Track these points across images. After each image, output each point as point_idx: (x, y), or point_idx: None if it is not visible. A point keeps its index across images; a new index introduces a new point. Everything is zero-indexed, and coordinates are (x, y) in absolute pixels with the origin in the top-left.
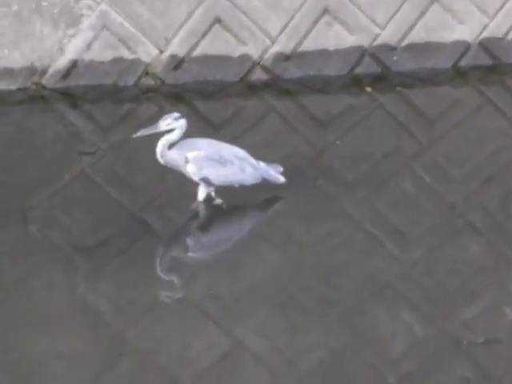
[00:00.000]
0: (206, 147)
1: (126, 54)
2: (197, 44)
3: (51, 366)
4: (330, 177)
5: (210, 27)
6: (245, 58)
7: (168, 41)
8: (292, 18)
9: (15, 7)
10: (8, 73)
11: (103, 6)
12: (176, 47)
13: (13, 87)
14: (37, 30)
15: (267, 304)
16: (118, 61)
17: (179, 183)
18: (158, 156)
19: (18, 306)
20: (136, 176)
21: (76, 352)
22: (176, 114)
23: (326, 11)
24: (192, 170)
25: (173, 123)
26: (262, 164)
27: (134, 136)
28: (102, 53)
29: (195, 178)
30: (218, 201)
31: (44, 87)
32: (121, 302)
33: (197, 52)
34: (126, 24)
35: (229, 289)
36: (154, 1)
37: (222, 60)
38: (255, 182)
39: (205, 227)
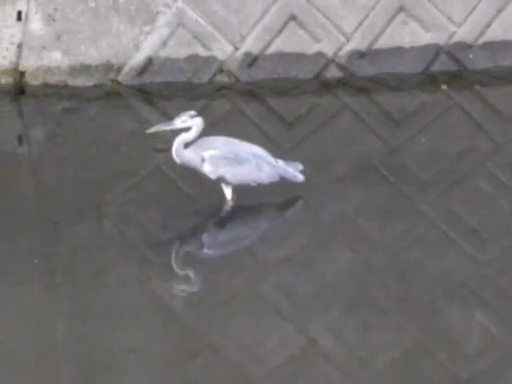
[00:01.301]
0: (222, 146)
1: (201, 51)
2: (271, 41)
3: (124, 360)
4: (404, 175)
5: (285, 24)
6: (319, 55)
7: (243, 38)
8: (367, 15)
9: (92, 4)
10: (85, 69)
11: (179, 4)
12: (251, 44)
13: (89, 83)
14: (113, 27)
15: (340, 302)
16: (192, 58)
17: None
18: (174, 155)
19: (93, 300)
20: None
21: (149, 347)
22: (192, 112)
23: (401, 9)
24: (208, 170)
25: (188, 121)
26: (280, 162)
27: (148, 131)
28: (177, 50)
29: (212, 177)
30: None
31: (120, 84)
32: (194, 298)
33: (271, 49)
34: (202, 21)
35: (302, 286)
36: None
37: (297, 57)
38: (273, 180)
39: (281, 225)
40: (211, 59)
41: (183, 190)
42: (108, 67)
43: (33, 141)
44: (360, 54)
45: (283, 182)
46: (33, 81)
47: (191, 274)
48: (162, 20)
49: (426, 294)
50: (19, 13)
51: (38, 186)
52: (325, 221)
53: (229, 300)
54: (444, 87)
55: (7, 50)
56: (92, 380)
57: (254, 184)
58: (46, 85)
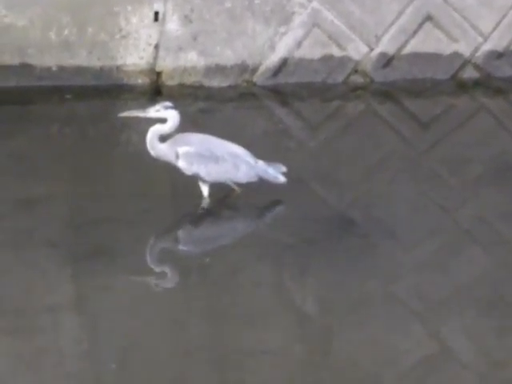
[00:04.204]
0: (198, 143)
1: (336, 52)
2: (407, 42)
3: (257, 362)
4: None
5: (421, 25)
6: (456, 55)
7: (378, 38)
8: (505, 15)
9: (228, 5)
10: (220, 70)
11: (315, 4)
12: (386, 45)
13: (224, 84)
14: (249, 28)
15: (475, 305)
16: (327, 58)
17: (380, 182)
18: (148, 147)
19: (225, 301)
20: (343, 173)
21: (281, 348)
22: (168, 103)
23: None
24: (183, 166)
25: (162, 111)
26: (260, 163)
27: (120, 115)
28: (312, 50)
29: (187, 173)
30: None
31: (254, 84)
32: (327, 300)
33: (407, 50)
34: (337, 22)
35: (436, 289)
36: None
37: (433, 58)
38: (251, 180)
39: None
40: (346, 60)
41: (316, 191)
42: (243, 68)
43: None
44: (497, 55)
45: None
46: (169, 81)
47: (324, 276)
48: (297, 20)
49: None
50: (156, 14)
51: (174, 186)
52: (461, 223)
53: (361, 302)
54: None
55: (144, 50)
56: (225, 380)
57: (230, 183)
58: (182, 85)
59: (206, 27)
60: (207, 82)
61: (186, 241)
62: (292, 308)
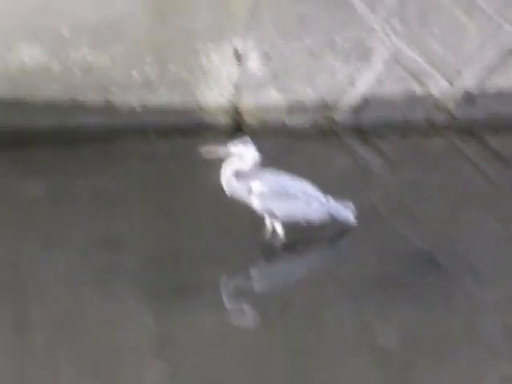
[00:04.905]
0: (270, 180)
1: (417, 88)
2: (489, 77)
3: None
4: None
5: (504, 60)
6: None
7: (460, 74)
8: None
9: (308, 42)
10: (300, 107)
11: (395, 40)
12: (468, 81)
13: (304, 121)
14: (329, 65)
15: None
16: (408, 95)
17: (463, 220)
18: (223, 183)
19: (308, 338)
20: (424, 210)
21: None
22: (246, 139)
23: None
24: (255, 202)
25: (240, 147)
26: (331, 200)
27: (200, 150)
28: (392, 87)
29: (259, 210)
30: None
31: (335, 121)
32: (409, 338)
33: (489, 85)
34: (418, 58)
35: None
36: (446, 34)
37: None
38: (323, 218)
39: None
40: (427, 96)
41: (396, 227)
42: (323, 105)
43: None
44: None
45: None
46: (250, 119)
47: (406, 314)
48: (377, 57)
49: None
50: (237, 51)
51: (251, 222)
52: None
53: (442, 340)
54: None
55: (225, 88)
56: None
57: (302, 221)
58: (262, 123)
59: (285, 64)
60: (288, 120)
61: (261, 277)
62: (374, 347)
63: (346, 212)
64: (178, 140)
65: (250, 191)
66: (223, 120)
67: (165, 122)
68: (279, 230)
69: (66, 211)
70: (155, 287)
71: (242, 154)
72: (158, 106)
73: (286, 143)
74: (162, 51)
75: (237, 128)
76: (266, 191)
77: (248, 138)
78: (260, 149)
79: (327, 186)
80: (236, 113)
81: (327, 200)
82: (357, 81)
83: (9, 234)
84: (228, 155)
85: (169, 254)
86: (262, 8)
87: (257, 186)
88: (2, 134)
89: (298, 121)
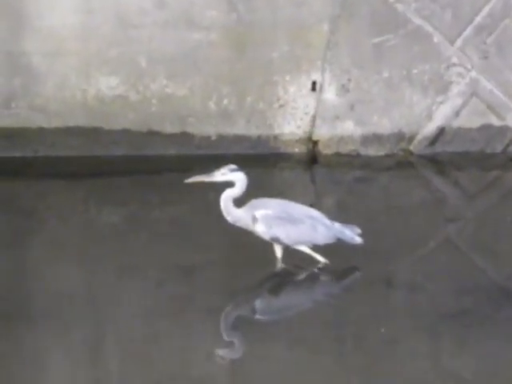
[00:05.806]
0: (275, 206)
1: (495, 121)
2: None
3: None
4: None
5: None
6: None
7: None
8: None
9: (386, 74)
10: (377, 139)
11: (473, 74)
12: None
13: (381, 153)
14: (406, 97)
15: None
16: (485, 128)
17: None
18: (224, 213)
19: (384, 371)
20: (502, 243)
21: None
22: (233, 166)
23: None
24: (261, 230)
25: (228, 174)
26: (336, 224)
27: (187, 181)
28: (469, 120)
29: (265, 238)
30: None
31: (411, 153)
32: (485, 373)
33: None
34: (496, 91)
35: None
36: None
37: None
38: (329, 241)
39: None
40: (505, 129)
41: (474, 261)
42: (400, 137)
43: (323, 208)
44: None
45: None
46: (325, 150)
47: (482, 348)
48: (455, 90)
49: None
50: (314, 83)
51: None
52: None
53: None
54: None
55: (301, 119)
56: None
57: (309, 245)
58: (338, 154)
59: (363, 96)
60: (364, 151)
61: (265, 310)
62: (449, 379)
63: (351, 233)
64: (254, 170)
65: (254, 219)
66: (299, 151)
67: (241, 152)
68: (279, 255)
69: (142, 240)
70: (231, 317)
71: (232, 182)
72: (234, 136)
73: (362, 174)
74: (239, 82)
75: (312, 159)
76: (272, 217)
77: (234, 165)
78: (335, 179)
79: (402, 217)
80: (311, 144)
81: (332, 224)
82: (434, 113)
83: (85, 262)
84: (214, 183)
85: (243, 283)
86: (339, 40)
87: (261, 213)
88: (81, 163)
89: (373, 152)
